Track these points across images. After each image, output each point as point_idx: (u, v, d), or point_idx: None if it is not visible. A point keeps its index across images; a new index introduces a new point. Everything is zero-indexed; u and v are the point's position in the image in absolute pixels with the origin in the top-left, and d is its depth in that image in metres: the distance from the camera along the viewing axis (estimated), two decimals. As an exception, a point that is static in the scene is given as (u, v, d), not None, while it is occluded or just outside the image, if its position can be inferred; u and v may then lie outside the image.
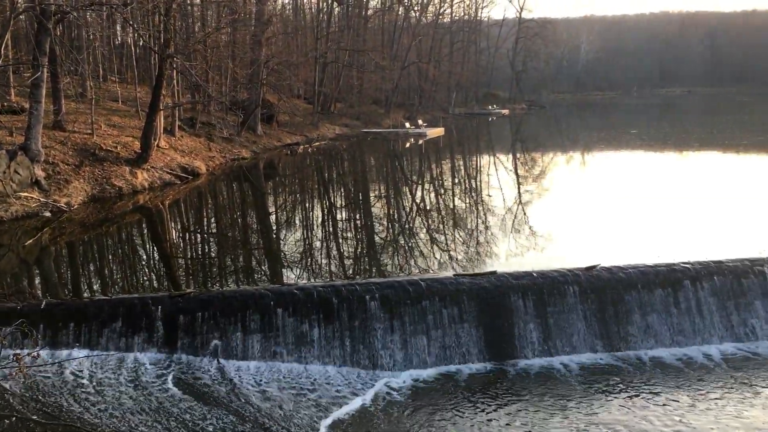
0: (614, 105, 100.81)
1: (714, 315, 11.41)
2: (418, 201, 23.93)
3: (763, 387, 9.78)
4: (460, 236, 17.36)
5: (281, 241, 17.14)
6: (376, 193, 26.21)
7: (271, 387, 9.65)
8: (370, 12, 68.17)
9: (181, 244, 17.66)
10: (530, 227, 17.86)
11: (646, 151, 38.64)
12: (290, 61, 47.03)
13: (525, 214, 20.26)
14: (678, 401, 9.34)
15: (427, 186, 27.99)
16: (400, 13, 71.95)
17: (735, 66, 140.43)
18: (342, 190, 27.73)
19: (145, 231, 19.14)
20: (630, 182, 26.20)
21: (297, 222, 20.27)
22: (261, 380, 9.84)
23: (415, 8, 73.39)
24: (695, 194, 23.05)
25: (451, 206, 22.41)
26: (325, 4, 57.41)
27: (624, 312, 11.27)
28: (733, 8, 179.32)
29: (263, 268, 14.84)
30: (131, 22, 28.84)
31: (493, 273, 11.52)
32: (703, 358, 10.83)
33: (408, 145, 45.76)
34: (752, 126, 55.05)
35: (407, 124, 54.92)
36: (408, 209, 22.50)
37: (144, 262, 15.48)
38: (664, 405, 9.23)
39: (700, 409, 9.09)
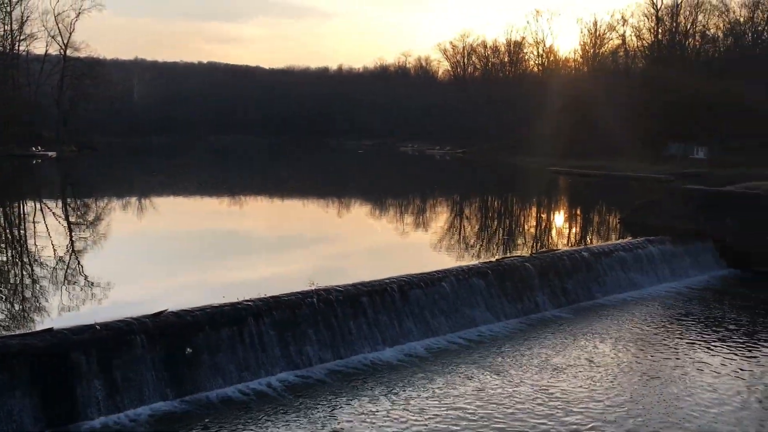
0: (171, 150, 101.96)
1: (275, 347, 12.19)
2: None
3: (319, 408, 10.79)
4: (2, 293, 15.25)
5: None
6: None
7: None
8: None
9: None
10: (88, 277, 16.69)
11: (204, 195, 39.96)
12: None
13: (80, 263, 18.89)
14: (248, 435, 9.69)
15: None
16: None
17: (277, 117, 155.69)
18: None
19: None
20: (189, 225, 26.66)
21: None
22: None
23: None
24: (248, 234, 24.62)
25: (-10, 259, 19.59)
26: None
27: (193, 355, 11.25)
28: (274, 65, 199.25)
29: None
30: None
31: (49, 330, 10.34)
32: (266, 389, 11.45)
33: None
34: (291, 172, 61.63)
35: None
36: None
37: None
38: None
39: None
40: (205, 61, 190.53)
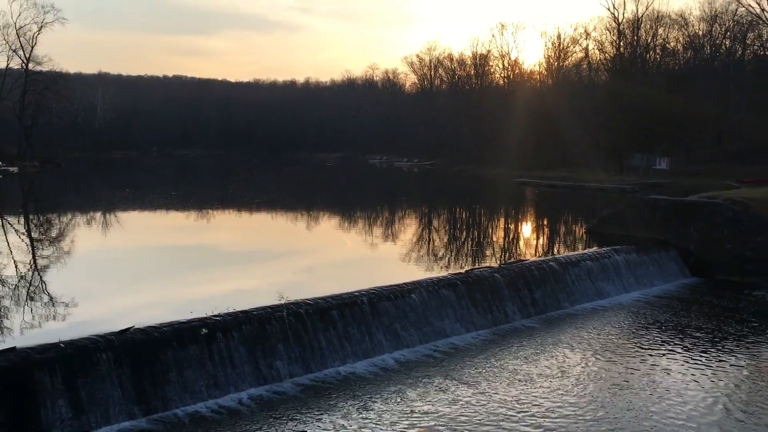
0: (136, 165, 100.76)
1: (244, 362, 12.04)
2: None
3: (291, 423, 10.68)
4: (-36, 312, 14.81)
5: None
6: None
7: None
8: None
9: None
10: (52, 294, 16.30)
11: (170, 210, 39.44)
12: None
13: (44, 280, 18.45)
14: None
15: None
16: None
17: (244, 130, 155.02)
18: None
19: None
20: (155, 241, 26.28)
21: None
22: None
23: None
24: (216, 248, 24.34)
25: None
26: None
27: (161, 372, 11.05)
28: (240, 78, 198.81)
29: None
30: None
31: (12, 349, 10.08)
32: (237, 405, 11.30)
33: None
34: (260, 186, 61.28)
35: None
36: None
37: None
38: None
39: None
40: (170, 74, 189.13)
